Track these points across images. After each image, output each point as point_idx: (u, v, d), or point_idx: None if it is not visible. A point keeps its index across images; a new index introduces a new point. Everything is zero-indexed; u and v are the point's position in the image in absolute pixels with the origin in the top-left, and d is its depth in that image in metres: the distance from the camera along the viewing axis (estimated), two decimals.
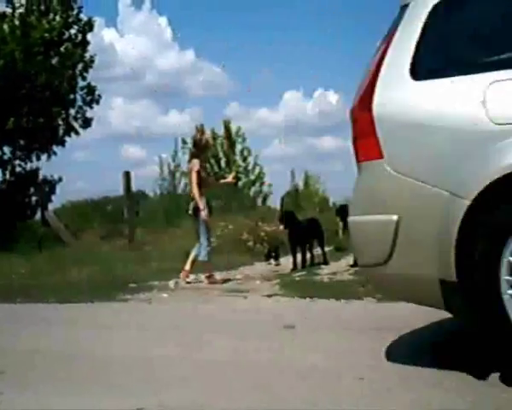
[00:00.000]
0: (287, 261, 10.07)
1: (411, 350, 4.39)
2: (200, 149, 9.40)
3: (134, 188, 13.93)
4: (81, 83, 16.89)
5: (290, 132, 49.35)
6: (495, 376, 3.42)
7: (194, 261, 9.12)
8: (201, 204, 8.89)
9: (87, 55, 16.84)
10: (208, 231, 9.08)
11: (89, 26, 16.89)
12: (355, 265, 9.31)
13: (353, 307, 6.58)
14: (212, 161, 23.22)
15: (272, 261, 10.68)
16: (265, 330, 5.58)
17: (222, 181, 12.42)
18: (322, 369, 3.93)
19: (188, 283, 9.01)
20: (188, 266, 9.11)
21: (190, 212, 9.14)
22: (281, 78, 50.11)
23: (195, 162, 9.07)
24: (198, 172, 9.01)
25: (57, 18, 16.35)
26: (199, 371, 4.09)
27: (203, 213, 8.88)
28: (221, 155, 23.40)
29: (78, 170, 42.84)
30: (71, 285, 9.12)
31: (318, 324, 5.74)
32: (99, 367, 4.38)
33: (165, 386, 3.78)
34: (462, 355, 4.11)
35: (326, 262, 10.11)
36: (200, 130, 9.46)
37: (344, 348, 4.58)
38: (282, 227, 10.11)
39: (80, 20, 16.78)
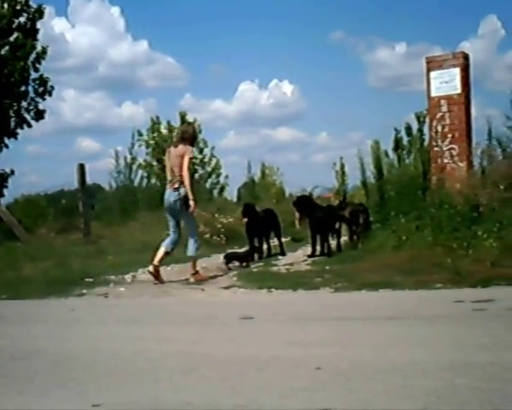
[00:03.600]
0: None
1: (369, 339, 4.44)
2: (192, 138, 8.79)
3: (89, 181, 13.72)
4: (33, 74, 16.55)
5: (245, 124, 49.36)
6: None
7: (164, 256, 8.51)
8: (192, 194, 8.32)
9: (39, 45, 16.49)
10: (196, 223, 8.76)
11: (39, 13, 16.45)
12: (312, 255, 9.41)
13: (311, 298, 6.63)
14: None
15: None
16: (224, 321, 5.59)
17: None
18: (280, 360, 3.95)
19: (155, 278, 8.33)
20: (157, 261, 8.42)
21: (172, 202, 8.40)
22: (236, 69, 50.08)
23: (190, 149, 8.52)
24: (191, 160, 8.60)
25: (5, 5, 15.96)
26: (157, 365, 4.06)
27: (193, 204, 8.29)
28: None
29: (31, 163, 42.08)
30: (24, 281, 8.96)
31: (276, 315, 5.77)
32: (56, 364, 4.31)
33: (122, 382, 3.75)
34: (418, 347, 4.19)
35: (283, 253, 10.15)
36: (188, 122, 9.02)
37: (302, 338, 4.60)
38: (245, 220, 9.98)
39: (29, 6, 16.39)
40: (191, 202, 8.28)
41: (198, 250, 8.60)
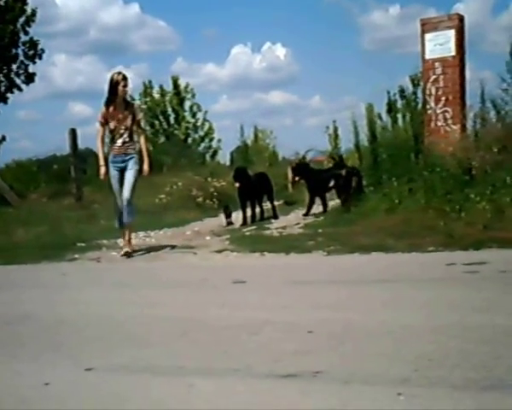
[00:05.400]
0: (237, 216, 10.05)
1: (361, 302, 4.45)
2: (110, 92, 7.71)
3: (81, 145, 13.62)
4: (23, 38, 16.34)
5: (238, 87, 49.01)
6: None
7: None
8: (101, 159, 7.76)
9: (28, 8, 16.23)
10: (114, 194, 7.88)
11: None
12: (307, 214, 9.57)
13: (303, 261, 6.63)
14: (161, 117, 22.85)
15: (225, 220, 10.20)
16: (216, 285, 5.59)
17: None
18: (272, 324, 3.94)
19: (126, 254, 7.76)
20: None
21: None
22: (228, 32, 49.51)
23: (101, 111, 7.75)
24: (101, 124, 7.75)
25: None
26: (149, 329, 4.06)
27: (101, 170, 7.77)
28: (170, 111, 23.02)
29: (23, 129, 41.78)
30: (17, 246, 8.94)
31: (269, 278, 5.77)
32: (48, 329, 4.31)
33: (114, 346, 3.74)
34: (410, 310, 4.20)
35: (276, 216, 10.14)
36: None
37: (294, 301, 4.61)
38: (237, 185, 9.87)
39: None
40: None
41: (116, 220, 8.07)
